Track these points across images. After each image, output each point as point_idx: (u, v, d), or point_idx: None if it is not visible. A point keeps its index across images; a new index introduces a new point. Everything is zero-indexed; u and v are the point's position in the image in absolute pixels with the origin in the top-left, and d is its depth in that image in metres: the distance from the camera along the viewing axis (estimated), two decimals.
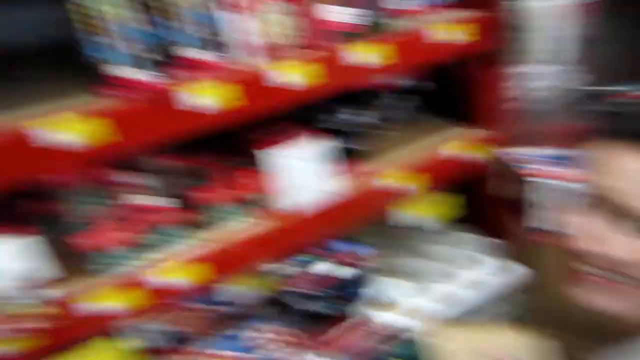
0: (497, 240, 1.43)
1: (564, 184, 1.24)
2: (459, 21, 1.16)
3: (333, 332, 1.17)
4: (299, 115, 1.08)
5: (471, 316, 1.37)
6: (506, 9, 1.23)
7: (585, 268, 0.65)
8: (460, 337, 1.05)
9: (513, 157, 1.33)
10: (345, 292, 1.19)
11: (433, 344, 1.03)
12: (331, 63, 0.96)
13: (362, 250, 1.22)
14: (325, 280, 1.16)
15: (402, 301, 1.29)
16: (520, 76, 1.46)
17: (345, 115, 1.14)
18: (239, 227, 1.01)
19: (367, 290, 1.29)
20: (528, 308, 1.33)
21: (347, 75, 1.00)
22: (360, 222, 1.16)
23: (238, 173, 0.99)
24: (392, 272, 1.40)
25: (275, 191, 1.01)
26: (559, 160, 1.33)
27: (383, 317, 1.23)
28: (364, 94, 1.33)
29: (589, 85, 1.59)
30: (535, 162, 1.31)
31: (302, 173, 1.03)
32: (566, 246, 0.68)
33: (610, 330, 0.73)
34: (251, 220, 1.02)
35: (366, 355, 1.15)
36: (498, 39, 1.25)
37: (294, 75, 0.90)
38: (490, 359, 1.00)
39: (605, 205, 0.63)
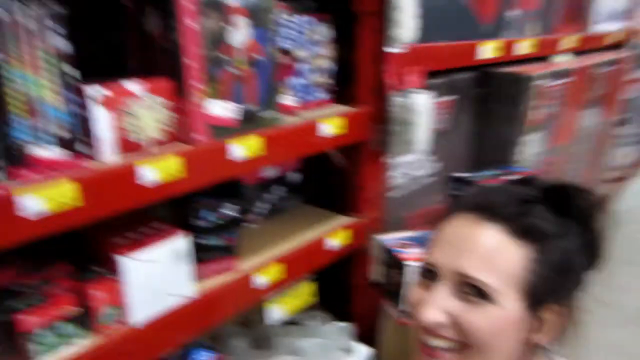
0: (348, 324, 1.46)
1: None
2: (336, 115, 1.23)
3: None
4: (163, 213, 1.03)
5: None
6: (382, 104, 1.32)
7: (430, 341, 0.68)
8: None
9: (384, 243, 1.37)
10: None
11: None
12: (200, 157, 0.93)
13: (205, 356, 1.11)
14: None
15: None
16: (394, 166, 1.55)
17: (213, 211, 1.06)
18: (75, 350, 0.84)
19: None
20: None
21: (217, 169, 0.97)
22: (224, 322, 1.12)
23: (86, 283, 0.86)
24: None
25: (127, 301, 0.90)
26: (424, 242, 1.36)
27: None
28: (233, 187, 1.31)
29: (447, 173, 1.72)
30: (405, 245, 1.34)
31: (158, 277, 0.94)
32: (414, 322, 0.72)
33: None
34: (93, 338, 0.87)
35: None
36: (372, 131, 1.36)
37: (156, 170, 0.85)
38: None
39: (443, 275, 0.67)
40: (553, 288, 0.65)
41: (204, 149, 0.94)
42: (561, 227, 0.65)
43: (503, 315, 0.63)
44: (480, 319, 0.64)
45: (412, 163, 1.71)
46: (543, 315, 0.66)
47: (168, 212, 1.14)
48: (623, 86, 4.09)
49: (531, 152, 2.23)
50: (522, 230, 0.64)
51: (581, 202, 0.66)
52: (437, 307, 0.65)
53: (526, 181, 0.74)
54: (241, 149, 0.99)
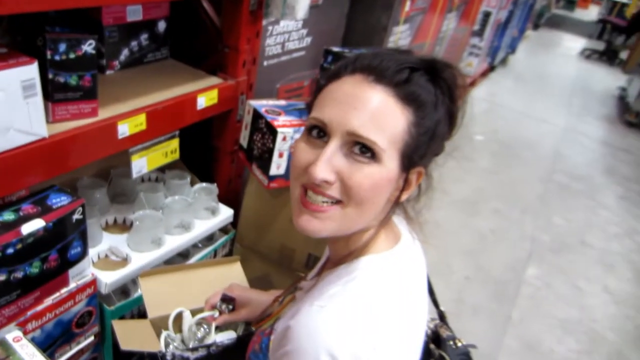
0: (214, 185, 1.47)
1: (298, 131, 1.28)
2: None
3: (49, 299, 1.02)
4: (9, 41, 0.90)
5: (183, 257, 1.43)
6: None
7: (315, 197, 0.70)
8: (164, 280, 1.18)
9: (257, 108, 1.36)
10: (59, 249, 0.99)
11: (144, 289, 1.13)
12: None
13: (66, 200, 0.99)
14: (30, 239, 0.92)
15: (133, 256, 1.24)
16: (269, 30, 1.50)
17: (67, 44, 0.93)
18: None
19: (96, 248, 1.23)
20: (236, 245, 1.53)
21: None
22: (75, 169, 1.03)
23: None
24: (122, 227, 1.35)
25: None
26: (297, 110, 1.39)
27: (112, 276, 1.16)
28: (91, 22, 1.18)
29: (317, 48, 1.74)
30: (276, 113, 1.35)
31: (2, 109, 0.83)
32: (298, 181, 0.73)
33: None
34: None
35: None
36: None
37: None
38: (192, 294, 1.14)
39: (334, 132, 0.68)
40: (423, 152, 0.72)
41: None
42: (434, 97, 0.70)
43: (384, 174, 0.68)
44: (366, 176, 0.67)
45: (285, 33, 1.68)
46: (410, 176, 0.73)
47: (15, 40, 0.99)
48: None
49: (398, 42, 2.33)
50: (406, 96, 0.68)
51: (448, 75, 0.72)
52: (328, 164, 0.67)
53: (405, 52, 0.76)
54: None
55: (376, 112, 0.66)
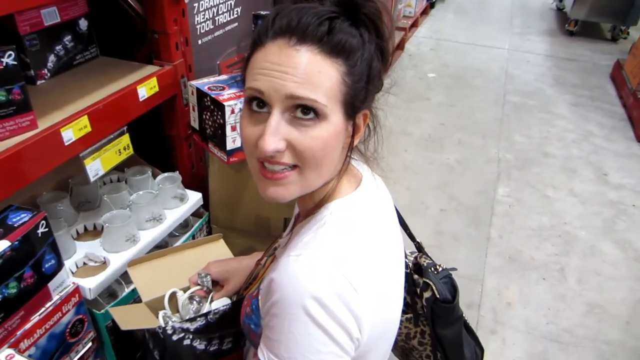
0: (176, 173, 1.47)
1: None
2: None
3: (35, 316, 1.02)
4: None
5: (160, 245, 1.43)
6: None
7: (271, 167, 0.71)
8: (152, 266, 1.20)
9: (199, 87, 1.35)
10: (32, 265, 0.99)
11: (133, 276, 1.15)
12: None
13: (27, 217, 0.99)
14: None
15: (111, 257, 1.24)
16: (195, 7, 1.49)
17: None
18: None
19: (72, 258, 1.23)
20: (213, 226, 1.55)
21: None
22: (33, 187, 1.02)
23: None
24: (93, 233, 1.35)
25: None
26: (239, 82, 1.37)
27: (94, 281, 1.17)
28: (8, 33, 1.15)
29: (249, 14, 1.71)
30: (219, 88, 1.34)
31: None
32: (251, 156, 0.73)
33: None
34: None
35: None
36: None
37: None
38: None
39: (273, 101, 0.67)
40: (363, 96, 0.72)
41: None
42: (360, 38, 0.70)
43: (332, 130, 0.69)
44: (314, 138, 0.68)
45: (213, 7, 1.65)
46: (357, 121, 0.75)
47: None
48: None
49: None
50: (332, 48, 0.67)
51: (369, 9, 0.71)
52: (276, 134, 0.67)
53: None
54: None
55: (307, 72, 0.66)
